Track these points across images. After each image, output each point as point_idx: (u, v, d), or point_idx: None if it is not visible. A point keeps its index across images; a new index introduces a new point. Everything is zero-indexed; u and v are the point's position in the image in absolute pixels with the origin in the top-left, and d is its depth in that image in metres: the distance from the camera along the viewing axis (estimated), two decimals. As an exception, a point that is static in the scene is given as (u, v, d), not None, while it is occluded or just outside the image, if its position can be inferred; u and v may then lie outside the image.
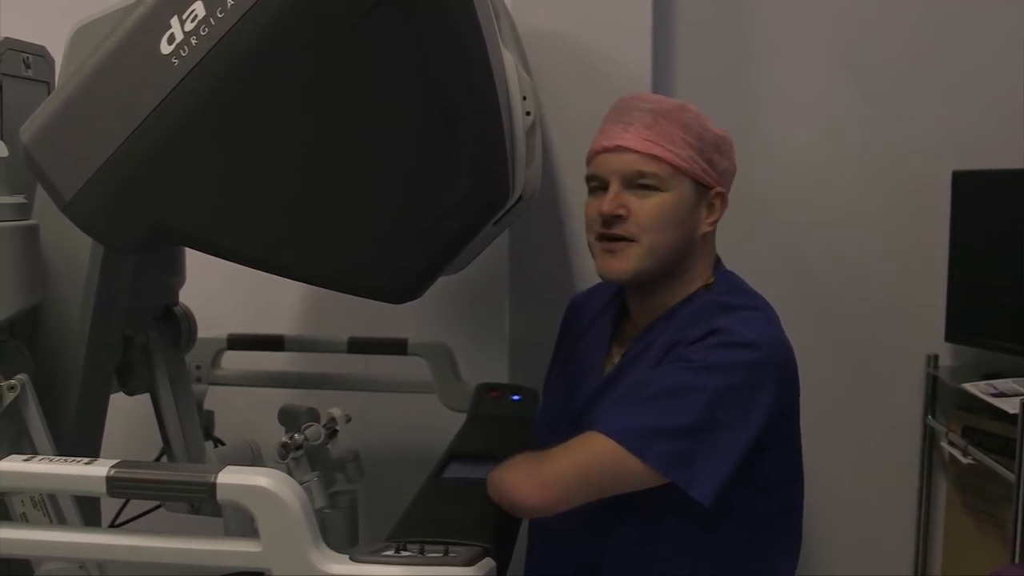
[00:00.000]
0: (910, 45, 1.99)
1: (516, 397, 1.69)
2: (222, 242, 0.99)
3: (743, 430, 1.22)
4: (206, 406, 1.75)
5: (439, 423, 1.69)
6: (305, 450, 1.32)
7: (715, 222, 1.37)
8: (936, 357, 2.04)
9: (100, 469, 0.93)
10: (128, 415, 1.53)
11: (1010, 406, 1.70)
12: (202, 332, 1.56)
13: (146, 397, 1.51)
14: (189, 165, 0.95)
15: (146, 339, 1.47)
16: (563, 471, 1.22)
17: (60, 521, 1.11)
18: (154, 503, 1.54)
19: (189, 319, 1.52)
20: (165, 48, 0.92)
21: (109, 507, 1.45)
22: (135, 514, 1.63)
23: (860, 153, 2.03)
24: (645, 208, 1.31)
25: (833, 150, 2.03)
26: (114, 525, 1.58)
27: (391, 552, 0.97)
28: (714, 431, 1.21)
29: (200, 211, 0.98)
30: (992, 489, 1.92)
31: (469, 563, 0.96)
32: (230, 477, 0.91)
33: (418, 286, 1.03)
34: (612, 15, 1.81)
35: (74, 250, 1.21)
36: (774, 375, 1.25)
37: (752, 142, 1.88)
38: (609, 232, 1.32)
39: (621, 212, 1.31)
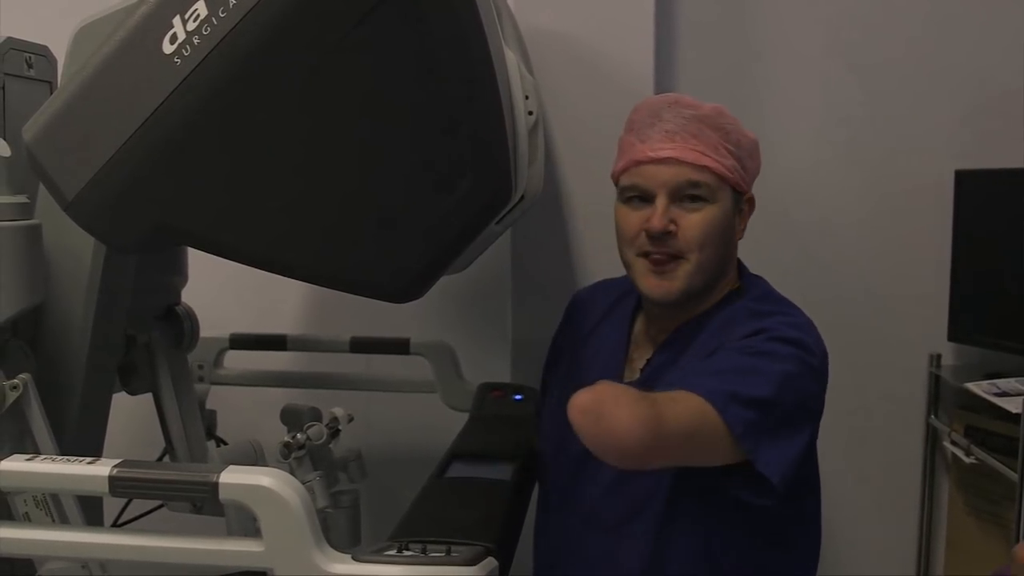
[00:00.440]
0: (913, 45, 1.98)
1: (518, 397, 1.68)
2: (224, 241, 1.00)
3: (809, 420, 1.20)
4: (208, 406, 1.75)
5: (441, 423, 1.68)
6: (307, 450, 1.32)
7: (745, 228, 1.35)
8: (939, 356, 2.03)
9: (103, 469, 0.92)
10: (130, 415, 1.53)
11: (1013, 406, 1.70)
12: (204, 332, 1.56)
13: (148, 397, 1.50)
14: (192, 165, 0.95)
15: (148, 339, 1.47)
16: (680, 419, 1.08)
17: (63, 521, 1.11)
18: (156, 503, 1.54)
19: (191, 319, 1.52)
20: (167, 48, 0.93)
21: (111, 507, 1.45)
22: (137, 514, 1.63)
23: (863, 152, 2.02)
24: (693, 222, 1.26)
25: (836, 149, 2.02)
26: (116, 525, 1.58)
27: (393, 552, 0.96)
28: (784, 409, 1.16)
29: (203, 210, 0.98)
30: (995, 489, 1.92)
31: (471, 563, 0.95)
32: (232, 477, 0.91)
33: (420, 285, 1.03)
34: (615, 14, 1.81)
35: (76, 250, 1.20)
36: (820, 377, 1.24)
37: (755, 141, 1.88)
38: (658, 251, 1.27)
39: (672, 228, 1.26)
